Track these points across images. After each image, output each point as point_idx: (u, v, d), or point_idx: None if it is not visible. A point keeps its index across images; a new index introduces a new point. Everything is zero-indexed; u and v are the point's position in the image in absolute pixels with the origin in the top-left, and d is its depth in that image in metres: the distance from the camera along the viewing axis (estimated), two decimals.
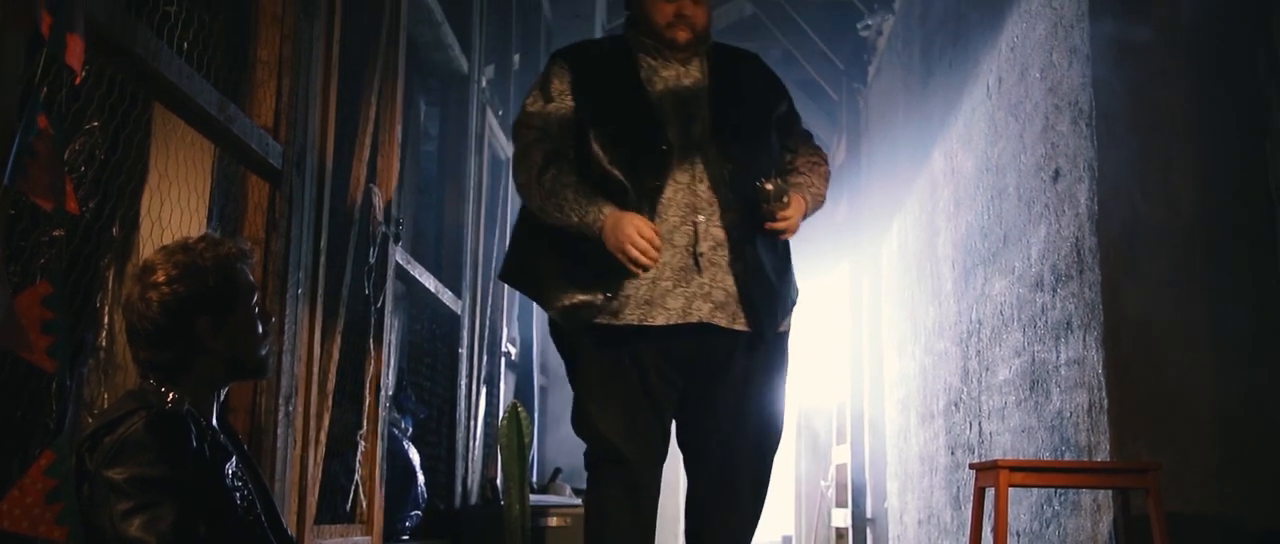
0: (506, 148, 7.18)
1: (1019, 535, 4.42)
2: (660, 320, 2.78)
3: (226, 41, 3.39)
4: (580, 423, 2.94)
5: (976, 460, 5.10)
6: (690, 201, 2.84)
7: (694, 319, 2.79)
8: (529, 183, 2.86)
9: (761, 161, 2.92)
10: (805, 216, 2.96)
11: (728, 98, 2.97)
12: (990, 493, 3.27)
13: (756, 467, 2.93)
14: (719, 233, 2.84)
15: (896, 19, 8.00)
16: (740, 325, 2.84)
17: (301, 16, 3.49)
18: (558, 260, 2.88)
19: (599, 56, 3.06)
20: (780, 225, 2.83)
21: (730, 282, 2.83)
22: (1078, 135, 3.92)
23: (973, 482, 3.47)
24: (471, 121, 6.23)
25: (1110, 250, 3.71)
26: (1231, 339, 3.60)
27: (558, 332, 3.01)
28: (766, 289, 2.87)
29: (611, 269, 2.75)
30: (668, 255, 2.78)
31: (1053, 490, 4.05)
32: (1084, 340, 3.84)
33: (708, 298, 2.81)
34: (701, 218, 2.83)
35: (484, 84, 6.56)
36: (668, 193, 2.83)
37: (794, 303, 3.02)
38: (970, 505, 3.51)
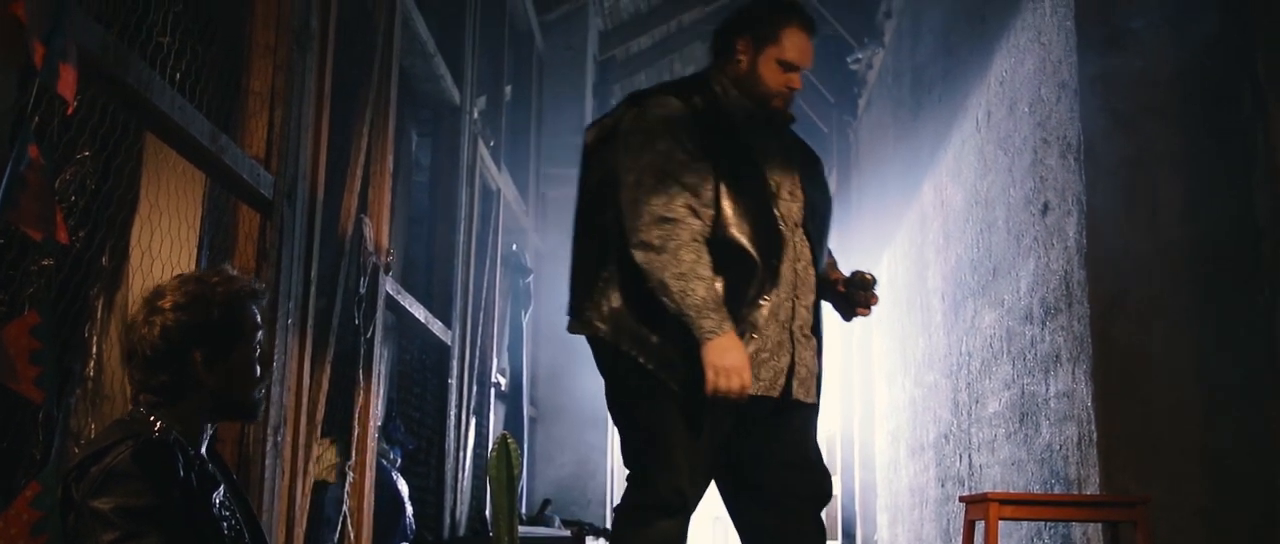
0: (497, 180, 7.20)
1: None
2: (753, 390, 2.74)
3: (219, 72, 3.40)
4: (651, 467, 2.81)
5: (966, 493, 5.09)
6: (792, 279, 2.86)
7: (779, 393, 2.80)
8: (668, 253, 2.67)
9: (826, 246, 3.01)
10: None
11: (810, 176, 2.99)
12: (980, 526, 3.26)
13: (820, 495, 2.92)
14: (807, 313, 2.88)
15: (887, 53, 8.06)
16: (812, 399, 2.90)
17: (294, 48, 3.51)
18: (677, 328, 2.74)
19: (705, 113, 2.88)
20: (865, 314, 2.95)
21: (811, 359, 2.88)
22: (1066, 169, 3.95)
23: (963, 515, 3.46)
24: (463, 152, 6.24)
25: (1099, 283, 3.72)
26: (1220, 372, 3.61)
27: (629, 372, 2.84)
28: (822, 366, 2.96)
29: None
30: (772, 329, 2.81)
31: (1043, 523, 4.04)
32: (1073, 373, 3.84)
33: (795, 374, 2.83)
34: (799, 296, 2.87)
35: (476, 115, 6.58)
36: (785, 272, 2.85)
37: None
38: (960, 538, 3.49)
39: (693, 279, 2.65)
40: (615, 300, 2.80)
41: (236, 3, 3.53)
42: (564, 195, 9.26)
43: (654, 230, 2.68)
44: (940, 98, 5.99)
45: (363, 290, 4.36)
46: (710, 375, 2.63)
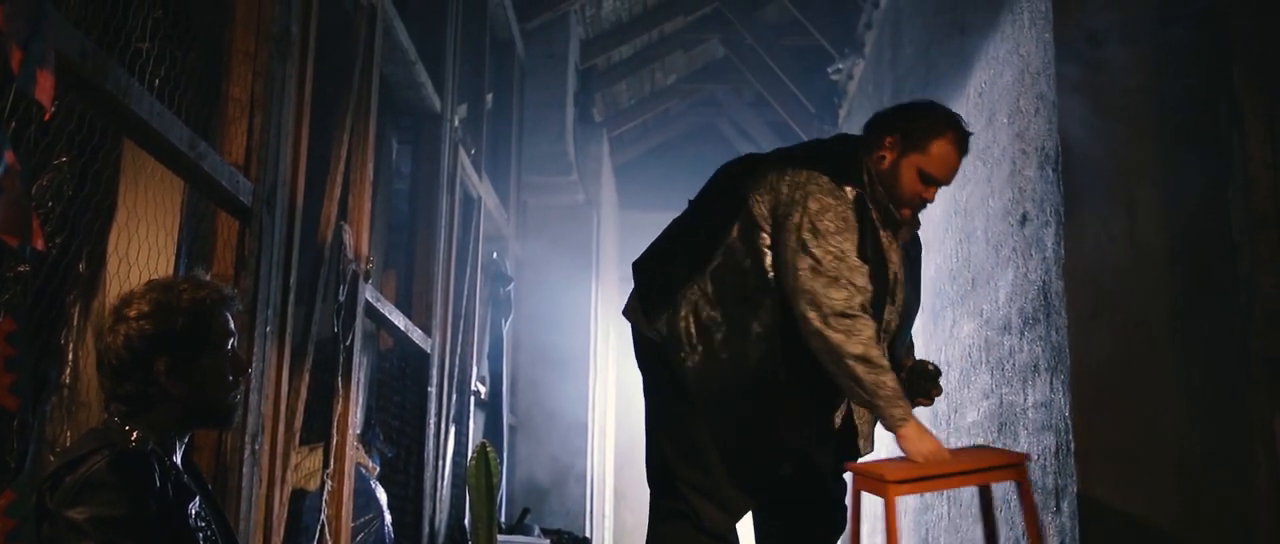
0: (478, 188, 7.19)
1: None
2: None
3: (198, 78, 3.39)
4: (713, 493, 3.02)
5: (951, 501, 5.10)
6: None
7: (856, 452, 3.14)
8: (861, 354, 2.82)
9: (909, 335, 3.20)
10: None
11: (912, 277, 3.12)
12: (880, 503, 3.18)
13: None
14: None
15: (867, 63, 8.09)
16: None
17: (274, 54, 3.49)
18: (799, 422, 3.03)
19: (858, 205, 2.95)
20: (929, 404, 3.13)
21: (869, 428, 3.17)
22: (1044, 180, 3.97)
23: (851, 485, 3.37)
24: (443, 160, 6.23)
25: (1077, 294, 3.74)
26: (1197, 382, 3.63)
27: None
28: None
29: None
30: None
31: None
32: (1051, 383, 3.86)
33: (868, 440, 3.19)
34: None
35: (456, 123, 6.57)
36: None
37: None
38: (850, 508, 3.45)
39: (883, 372, 2.83)
40: (698, 324, 2.97)
41: (216, 9, 3.52)
42: (545, 203, 9.27)
43: (839, 323, 2.82)
44: None
45: (342, 298, 4.34)
46: (916, 459, 2.89)
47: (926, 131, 2.92)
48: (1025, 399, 4.12)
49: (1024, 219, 4.18)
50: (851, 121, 8.64)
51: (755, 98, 11.65)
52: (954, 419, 5.15)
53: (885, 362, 2.83)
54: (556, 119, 9.16)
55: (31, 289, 2.66)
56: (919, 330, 5.88)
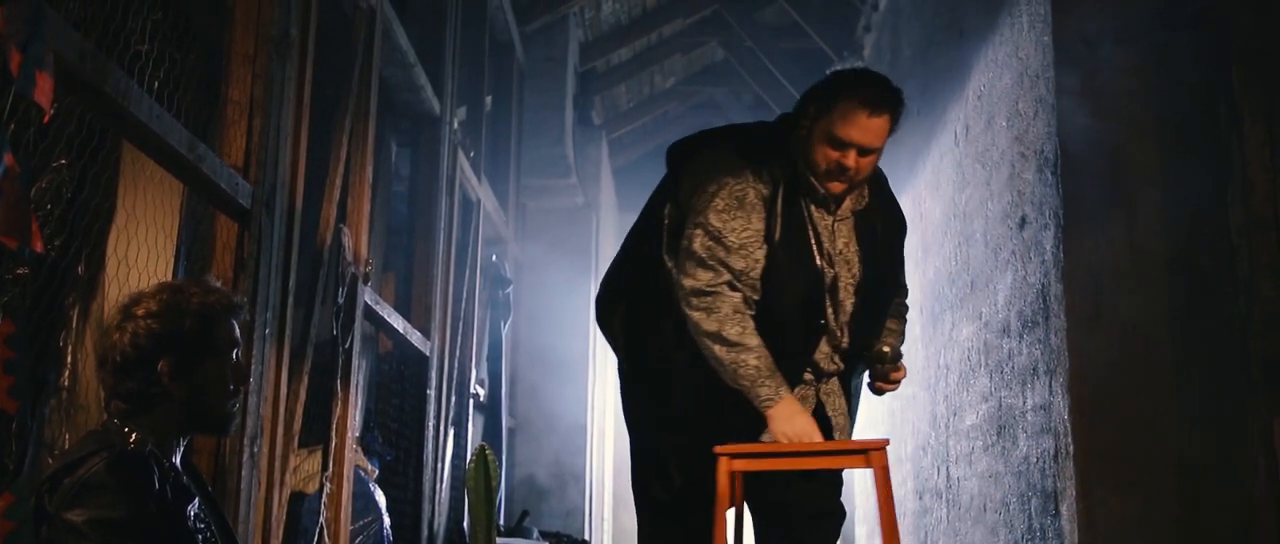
0: (477, 190, 7.19)
1: None
2: None
3: (198, 81, 3.39)
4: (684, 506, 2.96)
5: (943, 504, 5.11)
6: (828, 351, 2.92)
7: None
8: (715, 330, 2.74)
9: (886, 314, 3.02)
10: None
11: (871, 262, 2.92)
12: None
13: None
14: (836, 379, 2.97)
15: (865, 66, 8.09)
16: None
17: (273, 57, 3.49)
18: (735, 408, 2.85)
19: (777, 189, 2.84)
20: (890, 388, 2.96)
21: (842, 405, 3.00)
22: (1043, 183, 3.97)
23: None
24: (443, 163, 6.23)
25: (1075, 297, 3.74)
26: (1196, 384, 3.64)
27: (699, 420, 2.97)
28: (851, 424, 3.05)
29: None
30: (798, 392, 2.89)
31: None
32: (1050, 386, 3.86)
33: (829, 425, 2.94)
34: (826, 379, 2.95)
35: (456, 126, 6.57)
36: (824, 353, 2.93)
37: None
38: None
39: (743, 350, 2.71)
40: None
41: (216, 11, 3.52)
42: (544, 206, 9.28)
43: (699, 300, 2.75)
44: (919, 111, 6.02)
45: (341, 300, 4.34)
46: (782, 441, 2.72)
47: (830, 93, 2.78)
48: (1024, 402, 4.12)
49: (1023, 222, 4.19)
50: None
51: (754, 100, 11.64)
52: (953, 422, 5.15)
53: (747, 340, 2.70)
54: (556, 122, 9.16)
55: (30, 292, 2.66)
56: (918, 333, 5.88)
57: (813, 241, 2.84)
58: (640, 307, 2.96)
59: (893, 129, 2.79)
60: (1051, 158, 3.89)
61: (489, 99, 7.95)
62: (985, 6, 4.78)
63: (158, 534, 2.00)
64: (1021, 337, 4.17)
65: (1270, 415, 3.49)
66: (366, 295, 4.74)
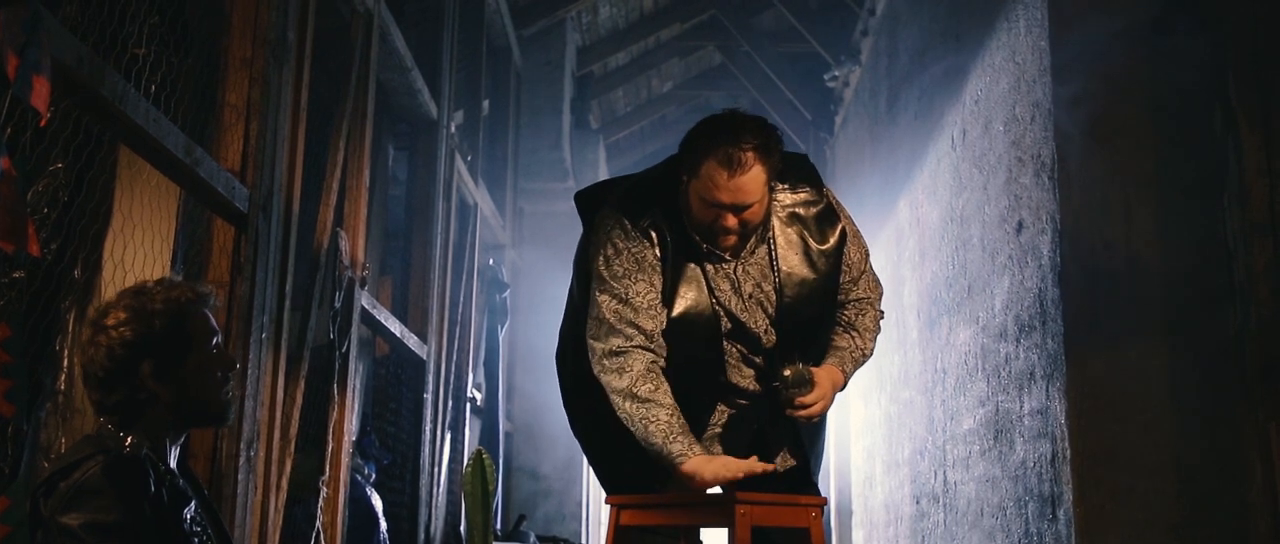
0: (474, 194, 7.19)
1: None
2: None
3: (194, 85, 3.39)
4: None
5: (940, 511, 5.11)
6: (745, 408, 2.83)
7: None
8: (626, 388, 2.65)
9: (821, 335, 2.86)
10: (849, 375, 2.89)
11: (791, 286, 2.77)
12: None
13: None
14: (762, 414, 2.84)
15: (863, 71, 8.10)
16: (789, 465, 2.86)
17: (270, 61, 3.50)
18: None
19: (674, 237, 2.74)
20: (801, 414, 2.72)
21: (779, 438, 2.84)
22: (1040, 188, 3.97)
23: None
24: (440, 167, 6.24)
25: (1072, 302, 3.75)
26: (1192, 389, 3.64)
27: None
28: (802, 469, 2.88)
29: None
30: (724, 444, 2.79)
31: None
32: (1047, 391, 3.86)
33: (768, 454, 2.80)
34: (753, 419, 2.83)
35: (453, 130, 6.57)
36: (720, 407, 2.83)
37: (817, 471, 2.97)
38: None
39: (653, 407, 2.62)
40: None
41: (213, 15, 3.52)
42: (541, 210, 9.28)
43: (610, 361, 2.67)
44: (916, 116, 6.02)
45: (338, 304, 4.34)
46: (698, 486, 2.59)
47: (694, 153, 2.63)
48: (1021, 406, 4.12)
49: (1020, 226, 4.19)
50: (847, 129, 8.65)
51: (751, 105, 11.63)
52: (950, 427, 5.15)
53: (659, 397, 2.62)
54: (553, 125, 9.17)
55: (27, 295, 2.66)
56: (915, 337, 5.88)
57: (708, 294, 2.74)
58: (575, 359, 2.92)
59: (770, 173, 2.63)
60: (1048, 162, 3.90)
61: (486, 103, 7.95)
62: (982, 12, 4.79)
63: (153, 538, 1.99)
64: (1019, 341, 4.17)
65: (1267, 420, 3.49)
66: (363, 299, 4.74)
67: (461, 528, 6.55)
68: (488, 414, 7.92)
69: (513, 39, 8.69)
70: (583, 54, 10.03)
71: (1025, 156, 4.15)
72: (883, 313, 2.97)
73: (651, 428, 2.61)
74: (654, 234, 2.74)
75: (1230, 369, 3.61)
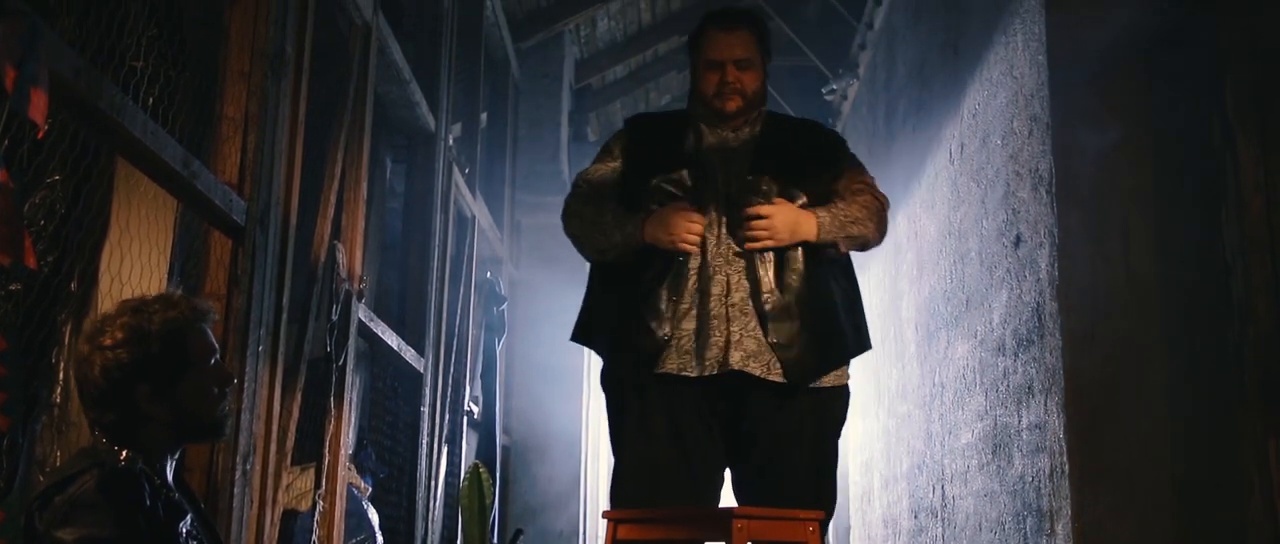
0: (472, 207, 7.19)
1: None
2: (694, 373, 2.84)
3: (192, 97, 3.39)
4: (614, 486, 3.00)
5: (939, 526, 5.09)
6: (725, 253, 2.93)
7: (719, 369, 2.84)
8: (573, 223, 3.09)
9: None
10: (840, 240, 3.01)
11: (772, 151, 3.09)
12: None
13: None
14: (747, 283, 2.91)
15: (861, 84, 8.11)
16: (775, 376, 2.87)
17: (268, 73, 3.49)
18: (618, 315, 3.01)
19: (660, 124, 3.25)
20: (751, 234, 2.90)
21: (756, 329, 2.88)
22: (1038, 202, 3.97)
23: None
24: (437, 179, 6.23)
25: (1071, 315, 3.74)
26: (1191, 404, 3.63)
27: (608, 390, 3.11)
28: (802, 339, 2.90)
29: (659, 319, 2.89)
30: (707, 305, 2.88)
31: None
32: (1045, 405, 3.86)
33: (739, 346, 2.85)
34: (733, 269, 2.92)
35: (451, 142, 6.57)
36: (709, 244, 2.94)
37: (842, 359, 3.03)
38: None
39: (600, 216, 3.02)
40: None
41: (211, 28, 3.52)
42: (539, 223, 9.27)
43: (566, 223, 3.14)
44: (914, 129, 6.02)
45: (335, 317, 4.33)
46: (668, 246, 2.89)
47: (697, 34, 3.17)
48: (1019, 421, 4.11)
49: (1018, 240, 4.19)
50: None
51: None
52: (948, 441, 5.14)
53: (602, 206, 3.03)
54: (551, 138, 9.18)
55: (23, 307, 2.65)
56: (913, 352, 5.88)
57: (693, 142, 3.09)
58: None
59: (761, 42, 3.16)
60: (1046, 176, 3.90)
61: (484, 115, 7.96)
62: (980, 25, 4.79)
63: None
64: (1017, 355, 4.16)
65: (1266, 435, 3.48)
66: (361, 312, 4.73)
67: (458, 542, 6.53)
68: (485, 427, 7.90)
69: (511, 52, 8.70)
70: (581, 67, 10.04)
71: (1023, 170, 4.15)
72: (886, 203, 3.16)
73: (606, 229, 3.00)
74: (630, 125, 3.25)
75: (1229, 384, 3.60)
